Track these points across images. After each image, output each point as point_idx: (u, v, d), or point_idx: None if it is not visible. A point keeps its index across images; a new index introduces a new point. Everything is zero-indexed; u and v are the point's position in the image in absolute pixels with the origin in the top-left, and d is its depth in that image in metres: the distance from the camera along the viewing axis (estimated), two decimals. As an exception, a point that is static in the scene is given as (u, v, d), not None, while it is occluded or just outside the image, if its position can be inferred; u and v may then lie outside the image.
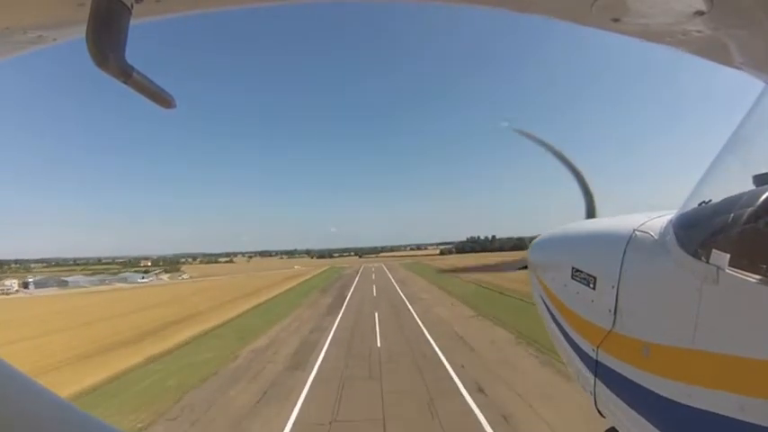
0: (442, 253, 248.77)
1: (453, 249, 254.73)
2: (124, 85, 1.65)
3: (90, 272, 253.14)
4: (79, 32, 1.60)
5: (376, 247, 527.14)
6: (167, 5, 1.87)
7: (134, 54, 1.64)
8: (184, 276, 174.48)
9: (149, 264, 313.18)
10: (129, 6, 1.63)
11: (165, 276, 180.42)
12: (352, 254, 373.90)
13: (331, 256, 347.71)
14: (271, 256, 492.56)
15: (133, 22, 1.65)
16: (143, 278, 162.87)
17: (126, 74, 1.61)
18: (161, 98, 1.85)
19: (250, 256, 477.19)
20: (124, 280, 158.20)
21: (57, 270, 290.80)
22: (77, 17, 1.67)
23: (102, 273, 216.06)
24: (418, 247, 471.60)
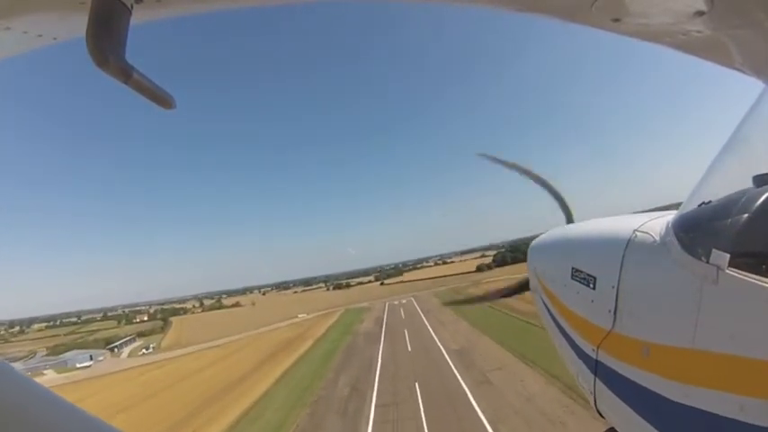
0: (479, 269, 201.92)
1: (492, 263, 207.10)
2: (124, 86, 1.64)
3: (73, 336, 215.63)
4: (79, 32, 1.60)
5: (398, 266, 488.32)
6: (167, 6, 1.88)
7: (134, 54, 1.64)
8: (149, 349, 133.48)
9: (145, 318, 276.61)
10: (129, 7, 1.63)
11: (125, 352, 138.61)
12: (372, 279, 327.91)
13: (348, 286, 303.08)
14: (287, 288, 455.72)
15: (133, 22, 1.65)
16: (90, 360, 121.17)
17: (126, 74, 1.61)
18: (161, 98, 1.84)
19: (264, 292, 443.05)
20: (64, 364, 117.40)
21: (49, 335, 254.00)
22: (77, 17, 1.67)
23: (65, 336, 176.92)
24: (443, 260, 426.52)
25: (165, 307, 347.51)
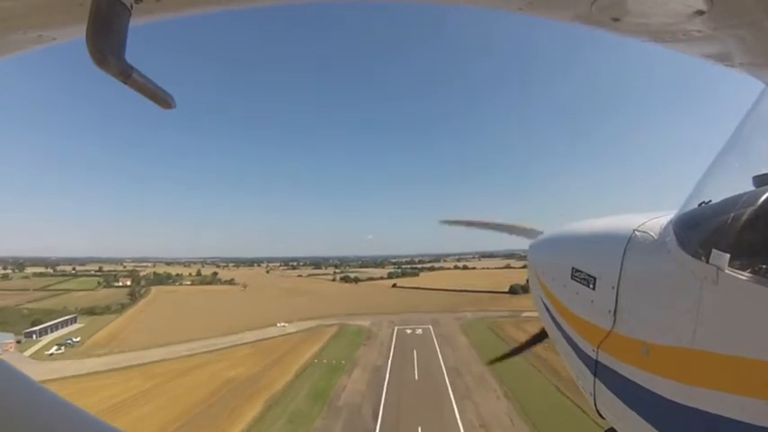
0: (512, 291, 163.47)
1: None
2: (124, 85, 1.68)
3: (40, 293, 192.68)
4: (79, 32, 1.61)
5: (413, 260, 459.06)
6: (167, 5, 1.90)
7: (134, 54, 1.68)
8: (61, 349, 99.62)
9: (128, 282, 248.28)
10: (129, 6, 1.65)
11: (40, 344, 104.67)
12: (385, 276, 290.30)
13: (357, 280, 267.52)
14: (295, 267, 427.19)
15: (133, 21, 1.67)
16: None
17: (126, 74, 1.64)
18: (161, 98, 1.88)
19: (269, 269, 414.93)
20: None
21: (18, 289, 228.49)
22: (77, 17, 1.68)
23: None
24: (464, 264, 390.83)
25: (159, 272, 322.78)
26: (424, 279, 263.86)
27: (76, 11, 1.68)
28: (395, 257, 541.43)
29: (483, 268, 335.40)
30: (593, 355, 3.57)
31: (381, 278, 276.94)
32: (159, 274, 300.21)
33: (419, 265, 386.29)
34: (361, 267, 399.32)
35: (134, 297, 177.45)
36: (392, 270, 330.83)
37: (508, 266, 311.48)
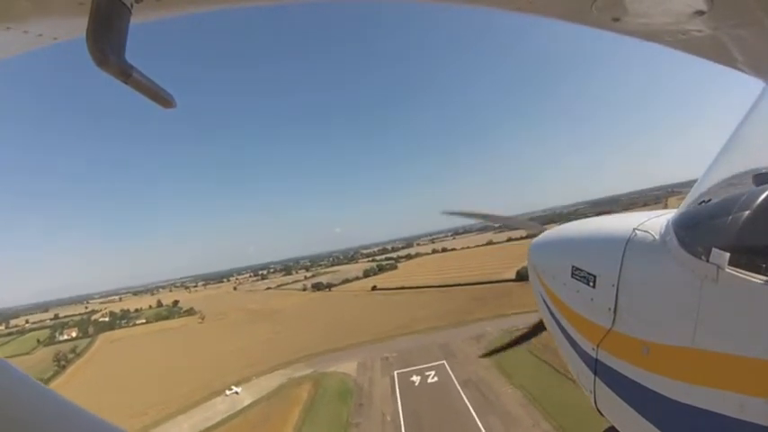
0: (520, 277, 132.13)
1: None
2: (124, 85, 1.66)
3: None
4: (79, 32, 1.61)
5: (386, 248, 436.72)
6: (167, 5, 1.91)
7: (134, 54, 1.67)
8: None
9: (74, 334, 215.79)
10: (129, 6, 1.65)
11: None
12: (361, 275, 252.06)
13: (330, 287, 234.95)
14: (265, 277, 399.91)
15: (133, 21, 1.67)
16: None
17: (126, 73, 1.63)
18: (161, 98, 1.87)
19: (236, 285, 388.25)
20: None
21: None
22: (77, 17, 1.69)
23: None
24: (441, 246, 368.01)
25: (115, 310, 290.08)
26: (405, 272, 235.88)
27: (77, 10, 1.68)
28: (366, 247, 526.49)
29: (463, 248, 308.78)
30: (593, 354, 3.54)
31: (357, 278, 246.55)
32: (114, 314, 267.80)
33: (394, 254, 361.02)
34: (333, 266, 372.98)
35: (62, 363, 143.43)
36: (367, 265, 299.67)
37: (490, 242, 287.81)
